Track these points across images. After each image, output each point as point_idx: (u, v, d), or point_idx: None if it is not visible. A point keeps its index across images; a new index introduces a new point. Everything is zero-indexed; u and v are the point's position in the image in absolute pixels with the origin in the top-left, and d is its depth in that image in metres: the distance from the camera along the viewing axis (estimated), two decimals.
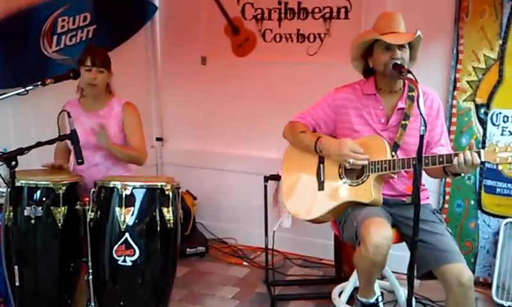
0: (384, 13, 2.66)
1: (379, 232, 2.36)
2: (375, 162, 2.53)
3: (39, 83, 2.59)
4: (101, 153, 3.02)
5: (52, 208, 2.63)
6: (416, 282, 2.43)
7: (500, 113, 3.38)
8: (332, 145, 2.64)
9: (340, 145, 2.59)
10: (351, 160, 2.54)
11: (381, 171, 2.51)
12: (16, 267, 2.38)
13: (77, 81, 2.90)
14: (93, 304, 2.67)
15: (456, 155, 2.33)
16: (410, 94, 2.60)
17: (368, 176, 2.56)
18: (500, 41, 3.32)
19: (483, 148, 3.40)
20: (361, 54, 2.68)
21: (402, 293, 2.89)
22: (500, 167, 2.36)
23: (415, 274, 2.23)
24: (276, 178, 3.55)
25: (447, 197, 3.56)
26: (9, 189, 2.51)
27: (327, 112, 2.76)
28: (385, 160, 2.51)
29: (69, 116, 2.57)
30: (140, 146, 3.07)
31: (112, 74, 3.06)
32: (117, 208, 2.62)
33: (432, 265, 2.41)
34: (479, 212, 3.49)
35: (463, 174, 2.54)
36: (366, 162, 2.54)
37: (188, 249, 4.03)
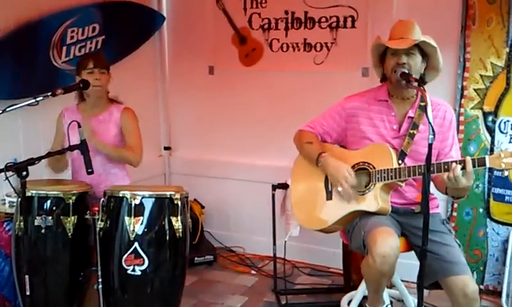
0: (399, 20, 2.68)
1: (385, 242, 2.36)
2: (381, 170, 2.53)
3: (49, 94, 2.62)
4: (99, 157, 3.00)
5: (62, 217, 2.66)
6: (425, 291, 2.42)
7: (508, 121, 3.37)
8: (330, 167, 2.65)
9: (338, 171, 2.61)
10: (340, 189, 2.59)
11: (387, 179, 2.51)
12: (27, 276, 2.39)
13: None
14: None
15: (462, 162, 2.32)
16: (422, 104, 2.59)
17: (374, 184, 2.56)
18: (508, 49, 3.32)
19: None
20: (378, 60, 2.69)
21: (412, 302, 2.88)
22: (506, 173, 2.34)
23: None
24: (284, 186, 3.56)
25: (456, 205, 3.55)
26: (19, 199, 2.53)
27: (337, 120, 2.77)
28: (391, 169, 2.51)
29: (79, 126, 2.59)
30: (136, 145, 3.06)
31: (111, 78, 3.09)
32: (126, 218, 2.63)
33: (439, 275, 2.41)
34: (487, 220, 3.48)
35: (460, 199, 2.56)
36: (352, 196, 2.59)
37: (196, 258, 4.04)
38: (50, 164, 3.03)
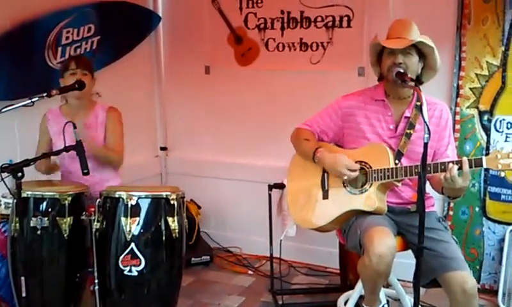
0: (397, 20, 2.68)
1: (382, 241, 2.36)
2: (378, 170, 2.54)
3: (44, 94, 2.61)
4: (89, 159, 2.99)
5: (57, 218, 2.65)
6: (422, 289, 2.43)
7: (503, 120, 3.38)
8: (327, 159, 2.65)
9: (336, 161, 2.61)
10: (345, 178, 2.59)
11: (384, 179, 2.52)
12: (22, 278, 2.38)
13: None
14: None
15: (458, 162, 2.32)
16: (418, 103, 2.59)
17: (371, 184, 2.56)
18: (503, 48, 3.33)
19: (487, 154, 3.39)
20: (376, 59, 2.69)
21: (408, 301, 2.89)
22: (503, 174, 2.35)
23: (420, 281, 2.23)
24: (280, 186, 3.56)
25: (452, 204, 3.55)
26: (15, 200, 2.52)
27: (334, 119, 2.77)
28: (388, 168, 2.51)
29: (74, 127, 2.58)
30: (117, 147, 3.06)
31: (94, 81, 3.07)
32: (122, 218, 2.63)
33: (436, 272, 2.41)
34: (483, 218, 3.48)
35: (456, 198, 2.56)
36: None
37: (193, 258, 4.03)
38: (37, 167, 3.01)
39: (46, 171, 3.10)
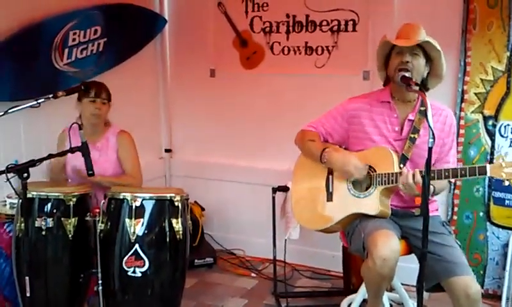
0: (405, 23, 2.68)
1: (386, 244, 2.36)
2: (382, 174, 2.54)
3: (50, 96, 2.63)
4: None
5: (62, 219, 2.67)
6: (425, 294, 2.42)
7: (508, 125, 3.38)
8: (336, 159, 2.66)
9: (344, 161, 2.62)
10: (353, 178, 2.61)
11: (388, 183, 2.52)
12: (27, 278, 2.40)
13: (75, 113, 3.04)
14: None
15: (462, 170, 2.33)
16: (422, 108, 2.59)
17: (375, 188, 2.57)
18: (508, 53, 3.33)
19: (491, 159, 3.41)
20: (383, 63, 2.69)
21: (412, 305, 2.88)
22: (507, 183, 2.35)
23: (424, 286, 2.24)
24: (284, 189, 3.57)
25: (456, 209, 3.55)
26: (20, 200, 2.54)
27: (339, 121, 2.77)
28: (392, 173, 2.52)
29: (80, 129, 2.59)
30: (134, 171, 3.14)
31: (111, 106, 3.14)
32: (127, 220, 2.65)
33: (440, 277, 2.41)
34: (488, 223, 3.48)
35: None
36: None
37: (196, 260, 4.04)
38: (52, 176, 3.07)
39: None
